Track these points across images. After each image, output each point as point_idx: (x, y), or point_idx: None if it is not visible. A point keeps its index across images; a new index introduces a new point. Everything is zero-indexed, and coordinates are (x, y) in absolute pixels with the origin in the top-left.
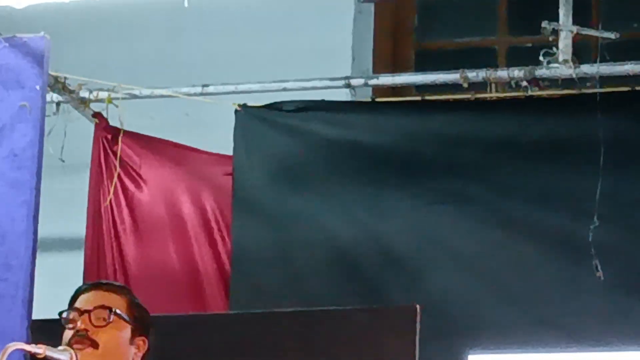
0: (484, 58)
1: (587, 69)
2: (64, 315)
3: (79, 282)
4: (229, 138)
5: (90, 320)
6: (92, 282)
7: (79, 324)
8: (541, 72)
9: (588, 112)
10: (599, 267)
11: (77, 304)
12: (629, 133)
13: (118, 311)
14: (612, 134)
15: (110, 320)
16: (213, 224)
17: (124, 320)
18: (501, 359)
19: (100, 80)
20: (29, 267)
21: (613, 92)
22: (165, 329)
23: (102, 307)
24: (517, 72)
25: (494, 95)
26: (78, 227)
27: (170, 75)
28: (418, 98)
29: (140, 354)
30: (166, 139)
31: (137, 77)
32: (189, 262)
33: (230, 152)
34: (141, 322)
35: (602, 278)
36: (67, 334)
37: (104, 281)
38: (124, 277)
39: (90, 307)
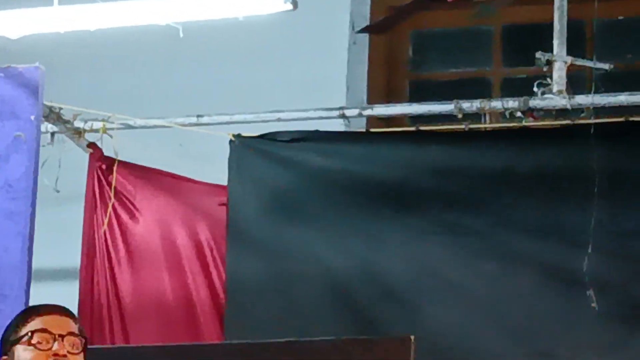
0: (478, 89)
1: (581, 99)
2: (34, 337)
3: (74, 312)
4: (224, 168)
5: (65, 345)
6: (42, 305)
7: (55, 346)
8: (535, 102)
9: (582, 142)
10: (594, 298)
11: (46, 326)
12: (623, 163)
13: (86, 340)
14: (606, 165)
15: (82, 348)
16: (207, 254)
17: (84, 349)
18: None
19: (94, 111)
20: (23, 298)
21: (607, 122)
22: None
23: (73, 334)
24: (511, 103)
25: (488, 125)
26: (72, 257)
27: (164, 105)
28: (412, 129)
29: None
30: (161, 169)
31: (132, 107)
32: (183, 292)
33: (224, 182)
34: (87, 349)
35: (597, 308)
36: (38, 356)
37: (56, 305)
38: (118, 307)
39: (63, 332)
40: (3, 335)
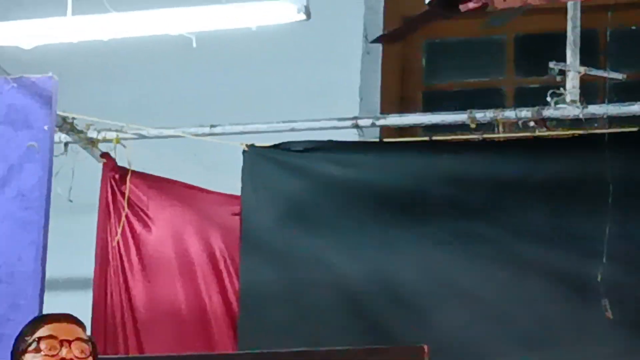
0: (492, 98)
1: (594, 109)
2: (42, 343)
3: (87, 322)
4: (237, 178)
5: (72, 351)
6: (50, 314)
7: (64, 352)
8: (549, 112)
9: (596, 152)
10: (609, 307)
11: (53, 333)
12: (637, 173)
13: (94, 345)
14: (620, 174)
15: (89, 353)
16: (221, 264)
17: (94, 355)
18: None
19: (108, 121)
20: (36, 307)
21: (621, 132)
22: None
23: (81, 339)
24: (524, 113)
25: (501, 135)
26: (86, 267)
27: (178, 115)
28: (426, 138)
29: None
30: (174, 179)
31: (145, 117)
32: (196, 302)
33: (238, 192)
34: (96, 357)
35: (611, 318)
36: None
37: (63, 313)
38: (132, 317)
39: (70, 338)
40: (13, 346)
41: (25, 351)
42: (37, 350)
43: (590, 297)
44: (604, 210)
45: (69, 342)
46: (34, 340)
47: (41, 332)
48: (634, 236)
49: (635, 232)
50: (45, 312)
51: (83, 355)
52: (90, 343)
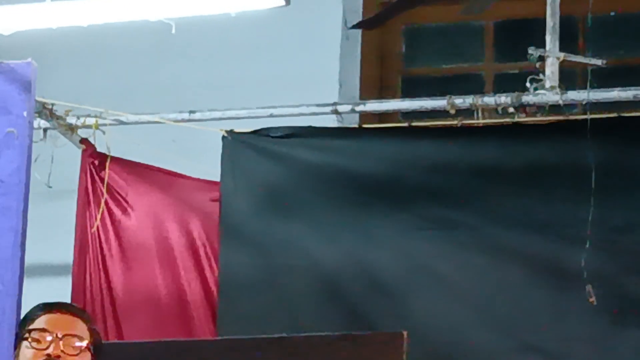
0: (471, 84)
1: (574, 95)
2: (33, 334)
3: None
4: (216, 164)
5: (61, 346)
6: (55, 302)
7: (51, 348)
8: (528, 98)
9: (575, 138)
10: (592, 293)
11: (46, 326)
12: (616, 159)
13: (88, 342)
14: (601, 160)
15: (81, 350)
16: (200, 250)
17: (90, 350)
18: None
19: (87, 107)
20: (15, 294)
21: (600, 118)
22: (152, 356)
23: (74, 335)
24: (504, 99)
25: (480, 121)
26: (65, 253)
27: (157, 101)
28: (405, 124)
29: None
30: (153, 165)
31: (125, 103)
32: (176, 288)
33: (217, 178)
34: (98, 349)
35: (595, 303)
36: (34, 355)
37: (68, 304)
38: (111, 303)
39: (61, 333)
40: (18, 327)
41: (22, 338)
42: (29, 339)
43: (573, 283)
44: (586, 196)
45: (60, 337)
46: (28, 330)
47: (37, 322)
48: (617, 222)
49: (617, 218)
50: (24, 299)
51: (73, 352)
52: (84, 339)
